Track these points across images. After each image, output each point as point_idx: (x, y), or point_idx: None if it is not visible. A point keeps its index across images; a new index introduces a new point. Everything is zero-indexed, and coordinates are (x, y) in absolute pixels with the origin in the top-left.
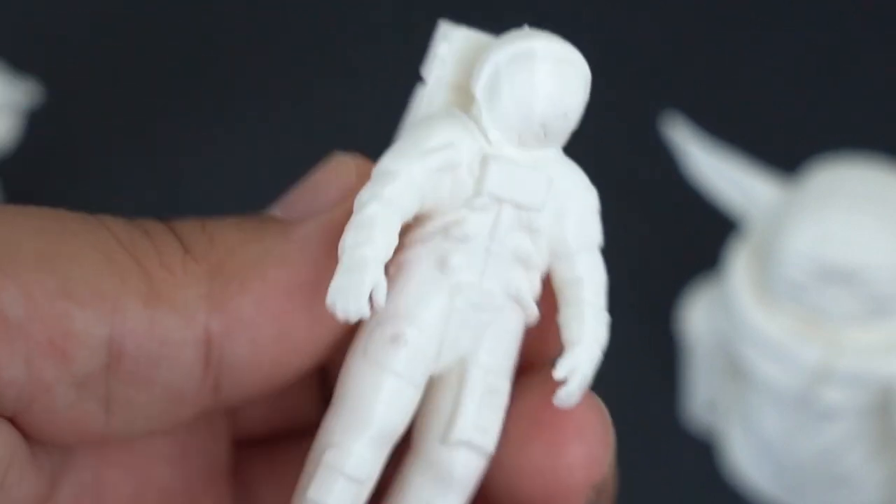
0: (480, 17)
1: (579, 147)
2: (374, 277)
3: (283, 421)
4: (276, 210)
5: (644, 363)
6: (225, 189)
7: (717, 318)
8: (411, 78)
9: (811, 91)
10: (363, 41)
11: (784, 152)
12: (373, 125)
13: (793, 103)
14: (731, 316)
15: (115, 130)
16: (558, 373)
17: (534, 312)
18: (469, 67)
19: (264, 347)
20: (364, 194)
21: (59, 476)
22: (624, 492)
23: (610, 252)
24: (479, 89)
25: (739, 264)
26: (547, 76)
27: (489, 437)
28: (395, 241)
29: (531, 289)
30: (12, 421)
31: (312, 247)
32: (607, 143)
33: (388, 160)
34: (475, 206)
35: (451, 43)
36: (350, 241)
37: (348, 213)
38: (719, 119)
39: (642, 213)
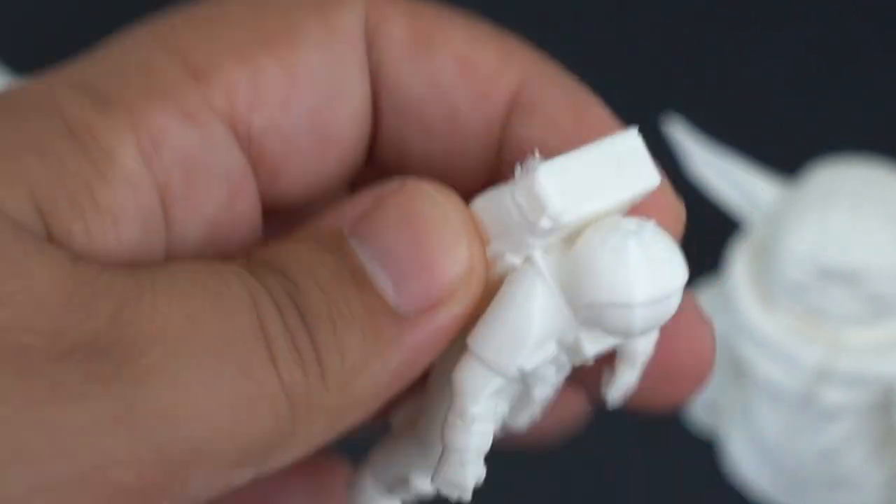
0: (481, 15)
1: None
2: (476, 475)
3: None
4: (380, 272)
5: None
6: None
7: (717, 319)
8: None
9: (811, 91)
10: None
11: (784, 152)
12: None
13: (793, 103)
14: (731, 316)
15: None
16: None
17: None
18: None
19: None
20: (466, 400)
21: None
22: (624, 491)
23: None
24: (578, 309)
25: (740, 264)
26: (645, 323)
27: None
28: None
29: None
30: None
31: (417, 357)
32: None
33: (492, 352)
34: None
35: (555, 223)
36: (455, 443)
37: (457, 318)
38: (719, 119)
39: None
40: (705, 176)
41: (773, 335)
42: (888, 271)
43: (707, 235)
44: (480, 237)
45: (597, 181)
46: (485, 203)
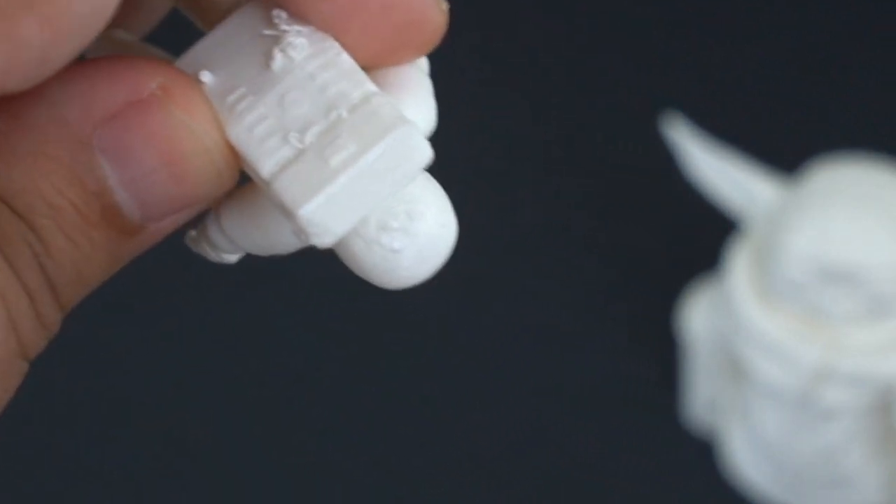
0: (482, 13)
1: (579, 148)
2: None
3: None
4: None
5: (644, 363)
6: None
7: (717, 318)
8: None
9: (811, 91)
10: None
11: (784, 152)
12: None
13: (793, 103)
14: (731, 316)
15: None
16: None
17: None
18: None
19: None
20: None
21: None
22: (624, 492)
23: (610, 252)
24: None
25: (739, 264)
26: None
27: None
28: None
29: None
30: None
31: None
32: (607, 143)
33: (240, 240)
34: None
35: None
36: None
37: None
38: (719, 119)
39: (642, 214)
40: (705, 176)
41: (773, 335)
42: (888, 271)
43: (707, 235)
44: (236, 161)
45: (366, 188)
46: (226, 43)
